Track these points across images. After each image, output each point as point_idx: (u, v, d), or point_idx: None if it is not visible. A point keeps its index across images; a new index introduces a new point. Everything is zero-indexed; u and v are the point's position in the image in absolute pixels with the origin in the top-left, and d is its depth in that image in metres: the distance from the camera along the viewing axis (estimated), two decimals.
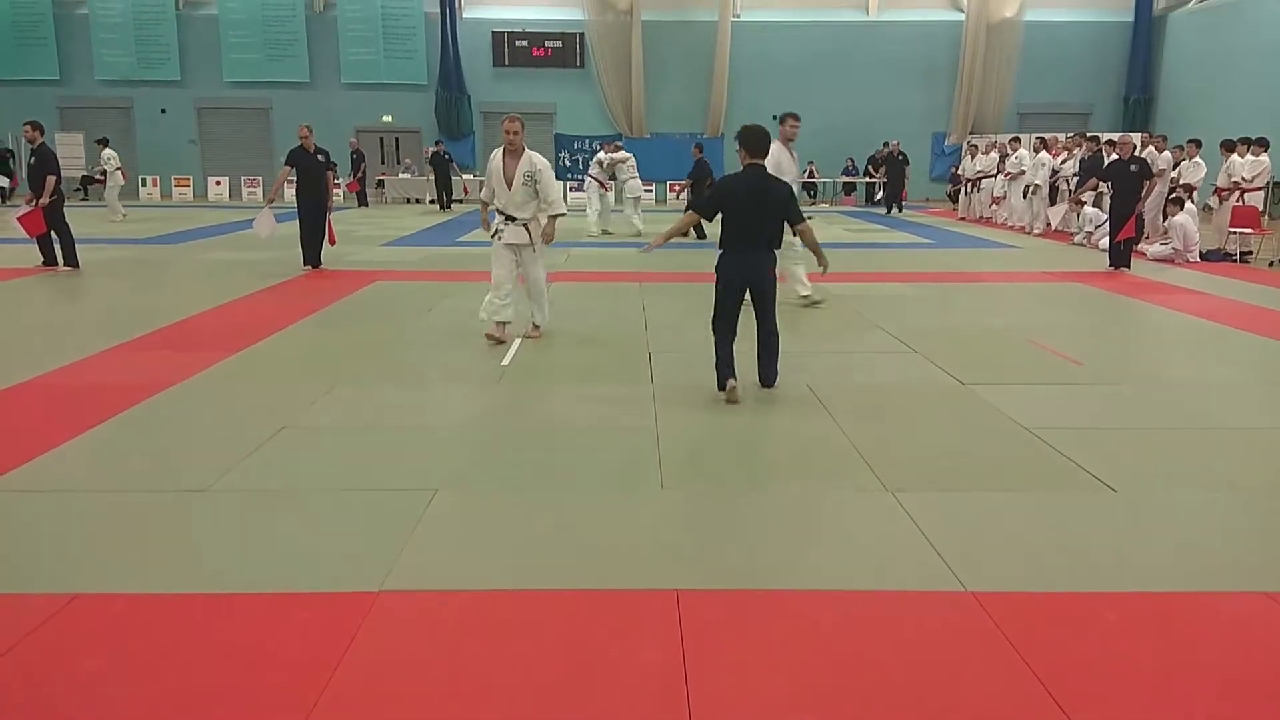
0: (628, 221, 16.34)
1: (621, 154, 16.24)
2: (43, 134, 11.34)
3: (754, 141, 5.55)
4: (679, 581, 3.31)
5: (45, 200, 10.84)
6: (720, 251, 5.62)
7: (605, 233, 16.12)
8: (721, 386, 5.63)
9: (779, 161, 8.44)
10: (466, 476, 4.44)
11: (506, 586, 3.29)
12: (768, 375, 5.85)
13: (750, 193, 5.50)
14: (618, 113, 26.38)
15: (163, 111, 26.48)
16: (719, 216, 5.65)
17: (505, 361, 6.69)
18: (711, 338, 5.73)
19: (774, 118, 27.74)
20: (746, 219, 5.49)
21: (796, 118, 8.57)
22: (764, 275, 5.63)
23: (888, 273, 11.48)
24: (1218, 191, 13.83)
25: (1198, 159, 13.99)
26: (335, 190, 12.29)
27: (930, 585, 3.32)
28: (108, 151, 18.98)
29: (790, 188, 5.82)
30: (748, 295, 5.68)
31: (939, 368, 6.58)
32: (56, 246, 11.22)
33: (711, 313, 5.73)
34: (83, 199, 24.33)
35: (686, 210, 6.40)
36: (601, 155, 16.31)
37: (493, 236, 7.24)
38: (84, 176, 24.75)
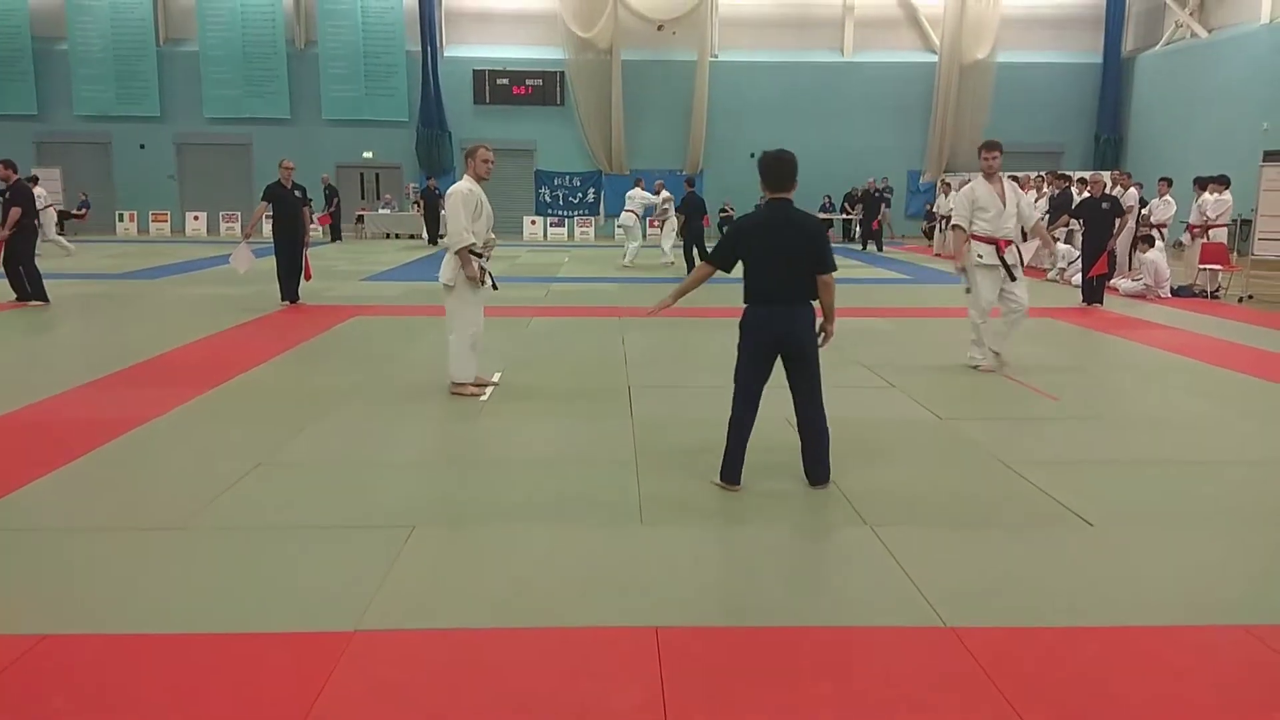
0: (661, 252, 17.75)
1: (665, 194, 17.72)
2: (16, 172, 11.27)
3: (775, 172, 4.52)
4: (658, 619, 3.29)
5: (6, 232, 10.75)
6: (745, 305, 4.64)
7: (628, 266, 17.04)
8: (725, 480, 4.71)
9: (976, 197, 7.53)
10: (444, 513, 4.40)
11: (484, 625, 3.25)
12: (816, 473, 4.73)
13: (771, 233, 4.50)
14: (597, 150, 26.61)
15: (141, 147, 26.45)
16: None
17: (484, 397, 6.66)
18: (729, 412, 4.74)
19: (751, 155, 28.07)
20: (770, 265, 4.49)
21: (993, 148, 7.41)
22: (801, 337, 4.55)
23: (866, 308, 11.56)
24: (1190, 229, 14.07)
25: (1168, 197, 14.26)
26: (311, 226, 12.31)
27: (910, 621, 3.31)
28: (37, 189, 18.69)
29: (821, 226, 4.77)
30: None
31: (917, 403, 6.62)
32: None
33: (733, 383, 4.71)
34: (59, 233, 24.13)
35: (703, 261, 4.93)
36: (643, 194, 17.45)
37: (483, 284, 6.57)
38: (61, 212, 24.59)
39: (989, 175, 7.55)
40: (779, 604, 3.51)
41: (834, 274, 4.62)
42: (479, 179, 6.49)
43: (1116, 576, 3.75)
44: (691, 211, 15.81)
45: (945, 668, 3.00)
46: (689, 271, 15.56)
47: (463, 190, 6.40)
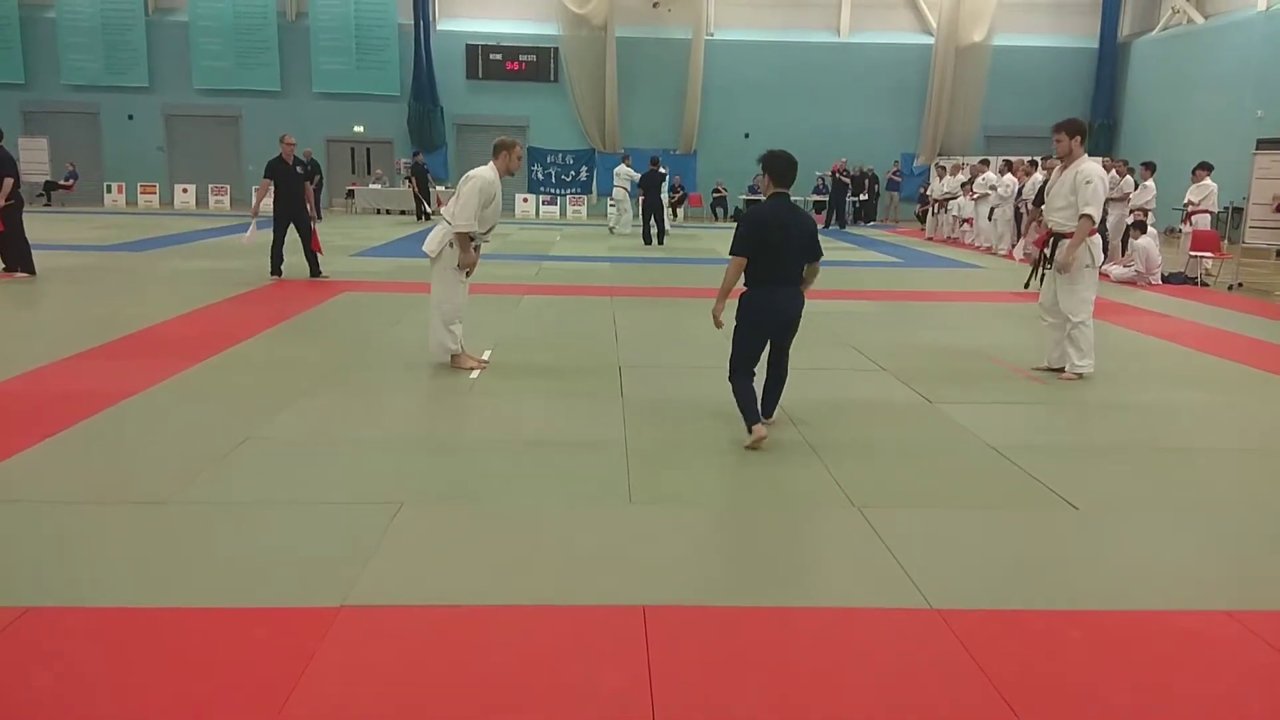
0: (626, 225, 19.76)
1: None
2: (1, 138, 11.14)
3: (783, 171, 5.04)
4: (646, 598, 3.29)
5: (1, 202, 10.66)
6: (745, 289, 5.11)
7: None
8: (751, 430, 5.08)
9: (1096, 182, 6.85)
10: (432, 490, 4.40)
11: (471, 603, 3.25)
12: (770, 407, 5.41)
13: (783, 223, 5.02)
14: (591, 128, 26.47)
15: (130, 118, 26.18)
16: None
17: (474, 375, 6.64)
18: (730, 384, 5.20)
19: (745, 135, 27.92)
20: (777, 253, 5.01)
21: (1057, 130, 7.02)
22: (798, 311, 5.20)
23: (857, 290, 11.56)
24: (1189, 215, 14.03)
25: (1149, 182, 14.24)
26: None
27: (896, 602, 3.32)
28: None
29: (813, 222, 5.33)
30: None
31: (907, 385, 6.63)
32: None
33: (730, 360, 5.21)
34: (45, 204, 23.95)
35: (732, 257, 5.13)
36: (628, 170, 19.27)
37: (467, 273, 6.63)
38: (47, 182, 24.39)
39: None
40: (766, 584, 3.51)
41: (818, 261, 5.29)
42: (506, 172, 6.52)
43: (1101, 561, 3.77)
44: (650, 187, 17.59)
45: (930, 650, 3.01)
46: (645, 239, 17.54)
47: (486, 177, 6.40)
